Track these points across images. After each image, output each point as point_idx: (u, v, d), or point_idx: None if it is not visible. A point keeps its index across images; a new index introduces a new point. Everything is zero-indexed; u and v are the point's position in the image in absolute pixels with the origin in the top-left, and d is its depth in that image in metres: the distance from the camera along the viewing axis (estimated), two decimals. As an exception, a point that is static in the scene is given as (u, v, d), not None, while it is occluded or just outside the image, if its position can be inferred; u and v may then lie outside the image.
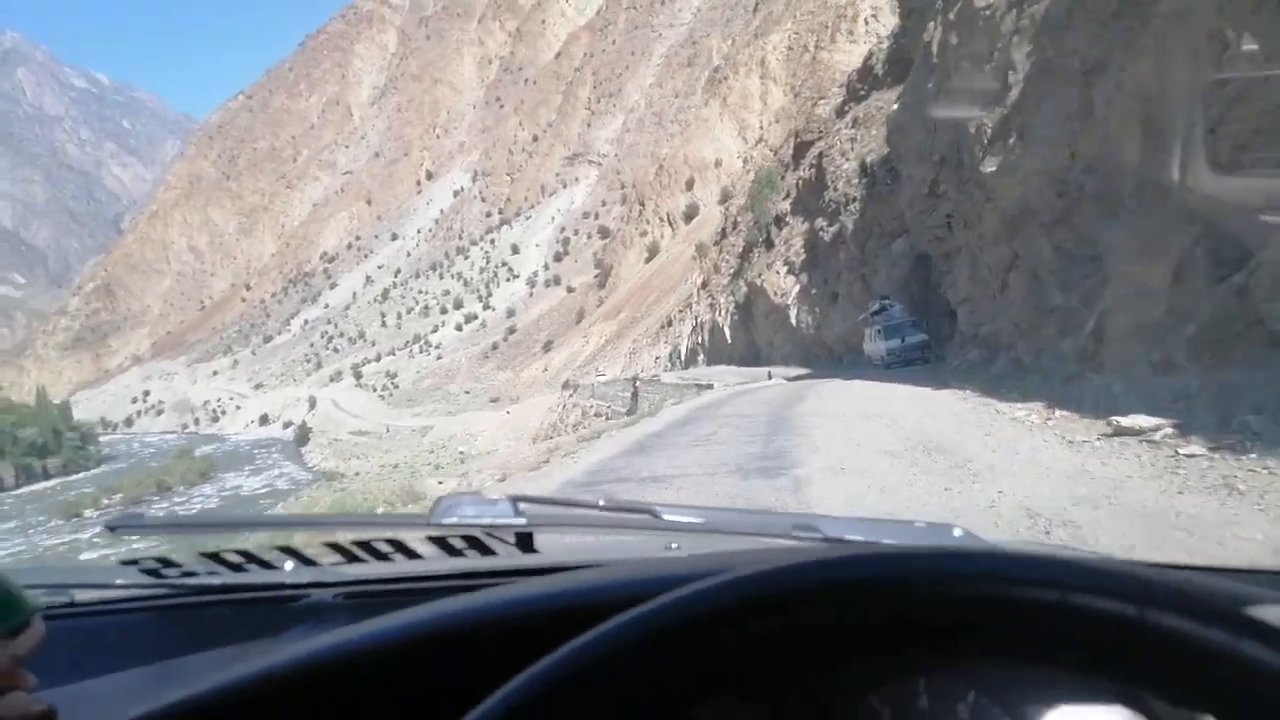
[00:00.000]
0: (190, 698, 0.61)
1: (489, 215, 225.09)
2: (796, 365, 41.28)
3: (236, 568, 1.17)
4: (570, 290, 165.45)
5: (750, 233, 49.80)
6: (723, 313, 50.83)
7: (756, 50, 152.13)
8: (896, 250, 32.23)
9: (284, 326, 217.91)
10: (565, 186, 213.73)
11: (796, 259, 42.29)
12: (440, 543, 1.14)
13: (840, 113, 44.01)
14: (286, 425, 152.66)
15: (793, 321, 41.81)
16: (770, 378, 32.95)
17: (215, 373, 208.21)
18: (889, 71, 37.56)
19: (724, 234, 58.64)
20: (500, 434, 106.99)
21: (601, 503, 1.11)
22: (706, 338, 54.18)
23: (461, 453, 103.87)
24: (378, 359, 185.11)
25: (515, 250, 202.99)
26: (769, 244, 46.87)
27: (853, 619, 0.43)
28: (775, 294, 42.86)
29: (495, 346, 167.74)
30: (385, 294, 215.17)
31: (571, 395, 73.57)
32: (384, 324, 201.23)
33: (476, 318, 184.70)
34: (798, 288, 41.37)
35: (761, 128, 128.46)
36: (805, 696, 0.68)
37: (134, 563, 1.19)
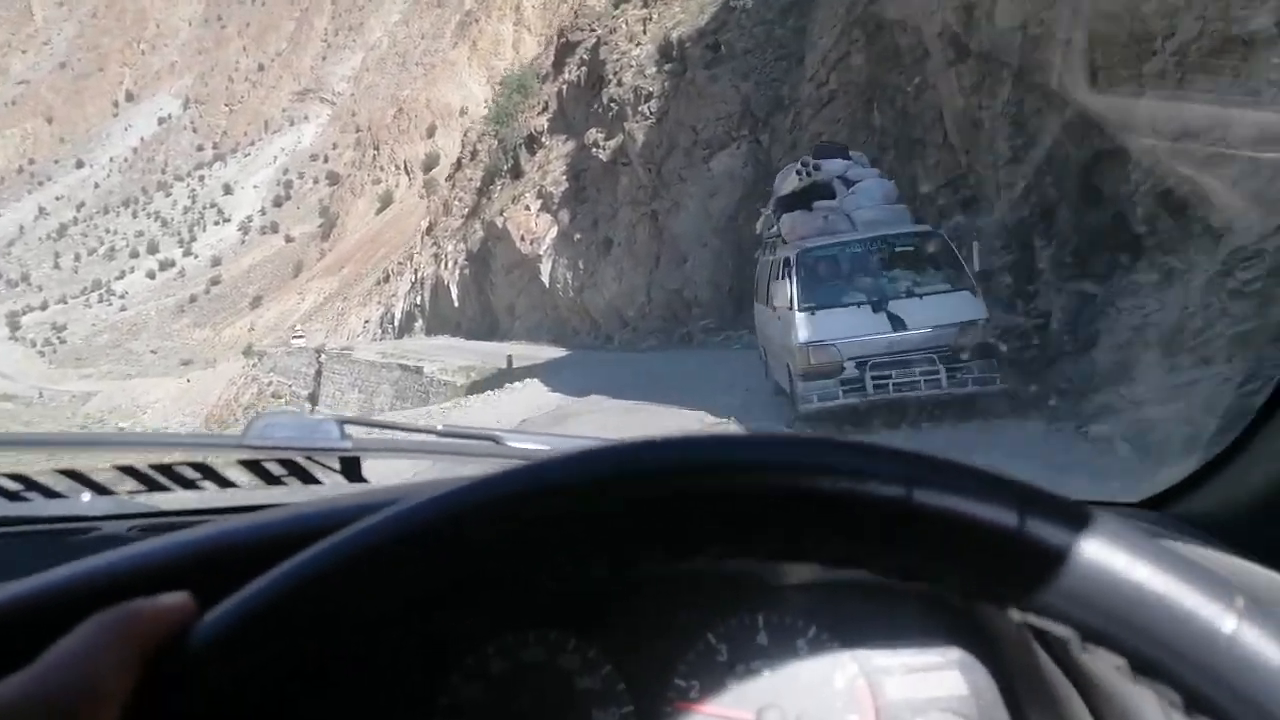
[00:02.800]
0: None
1: (200, 149, 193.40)
2: (548, 343, 28.02)
3: (13, 496, 0.99)
4: (289, 240, 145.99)
5: (493, 159, 35.75)
6: (449, 265, 36.56)
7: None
8: (719, 169, 19.82)
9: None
10: (292, 124, 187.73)
11: (555, 190, 28.80)
12: (255, 468, 0.98)
13: (624, -7, 31.06)
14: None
15: (545, 279, 28.44)
16: (511, 364, 19.35)
17: None
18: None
19: (459, 164, 44.12)
20: (175, 408, 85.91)
21: (440, 427, 1.03)
22: (427, 298, 39.63)
23: (122, 429, 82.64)
24: (43, 307, 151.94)
25: (228, 191, 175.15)
26: (516, 172, 33.03)
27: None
28: (522, 239, 29.21)
29: (194, 299, 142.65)
30: (62, 230, 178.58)
31: (254, 366, 55.93)
32: (57, 266, 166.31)
33: (174, 264, 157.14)
34: (554, 231, 28.15)
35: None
36: (639, 634, 0.67)
37: None
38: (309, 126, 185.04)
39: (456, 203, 42.10)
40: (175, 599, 0.38)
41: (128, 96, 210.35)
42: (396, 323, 44.08)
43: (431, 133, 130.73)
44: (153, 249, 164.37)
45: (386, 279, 54.09)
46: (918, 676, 0.69)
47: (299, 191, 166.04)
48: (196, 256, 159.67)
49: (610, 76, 25.62)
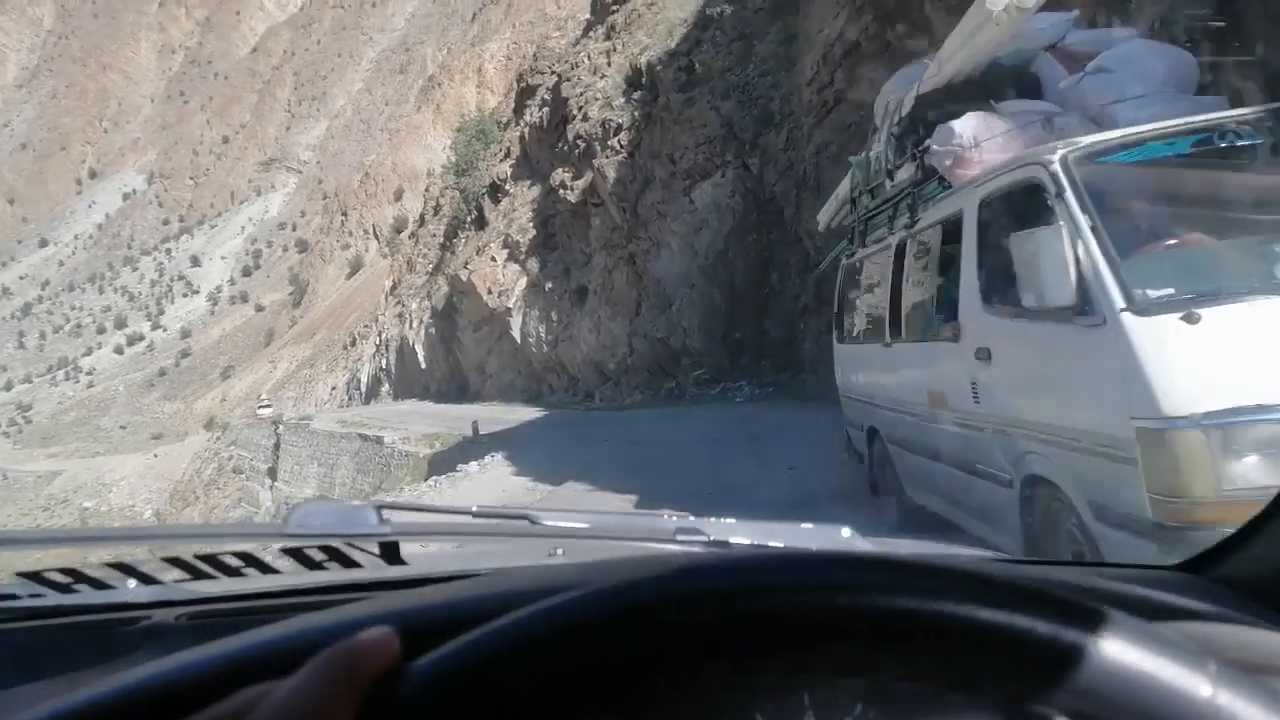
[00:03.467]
0: None
1: (166, 223, 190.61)
2: (522, 402, 25.44)
3: (64, 588, 1.01)
4: (260, 309, 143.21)
5: (455, 210, 33.43)
6: (414, 325, 34.00)
7: (473, 58, 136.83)
8: (703, 201, 17.52)
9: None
10: (259, 194, 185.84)
11: (521, 238, 26.45)
12: (297, 554, 1.01)
13: (589, 30, 29.10)
14: None
15: (515, 334, 25.96)
16: (477, 432, 16.73)
17: None
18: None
19: (422, 220, 41.84)
20: (143, 483, 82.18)
21: (475, 508, 1.07)
22: (393, 361, 36.95)
23: (86, 509, 78.74)
24: (8, 387, 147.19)
25: (196, 263, 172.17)
26: (480, 223, 30.74)
27: (719, 629, 0.38)
28: (489, 292, 26.76)
29: (163, 372, 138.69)
30: (27, 309, 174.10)
31: (216, 439, 52.65)
32: (21, 345, 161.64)
33: (143, 338, 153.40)
34: (523, 282, 25.75)
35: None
36: (686, 713, 0.62)
37: None
38: (276, 195, 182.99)
39: (420, 259, 39.72)
40: (384, 638, 0.39)
41: (91, 174, 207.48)
42: (363, 388, 41.30)
43: (399, 196, 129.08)
44: (120, 324, 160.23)
45: (353, 343, 51.34)
46: None
47: (268, 260, 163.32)
48: (165, 329, 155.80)
49: (575, 112, 23.48)
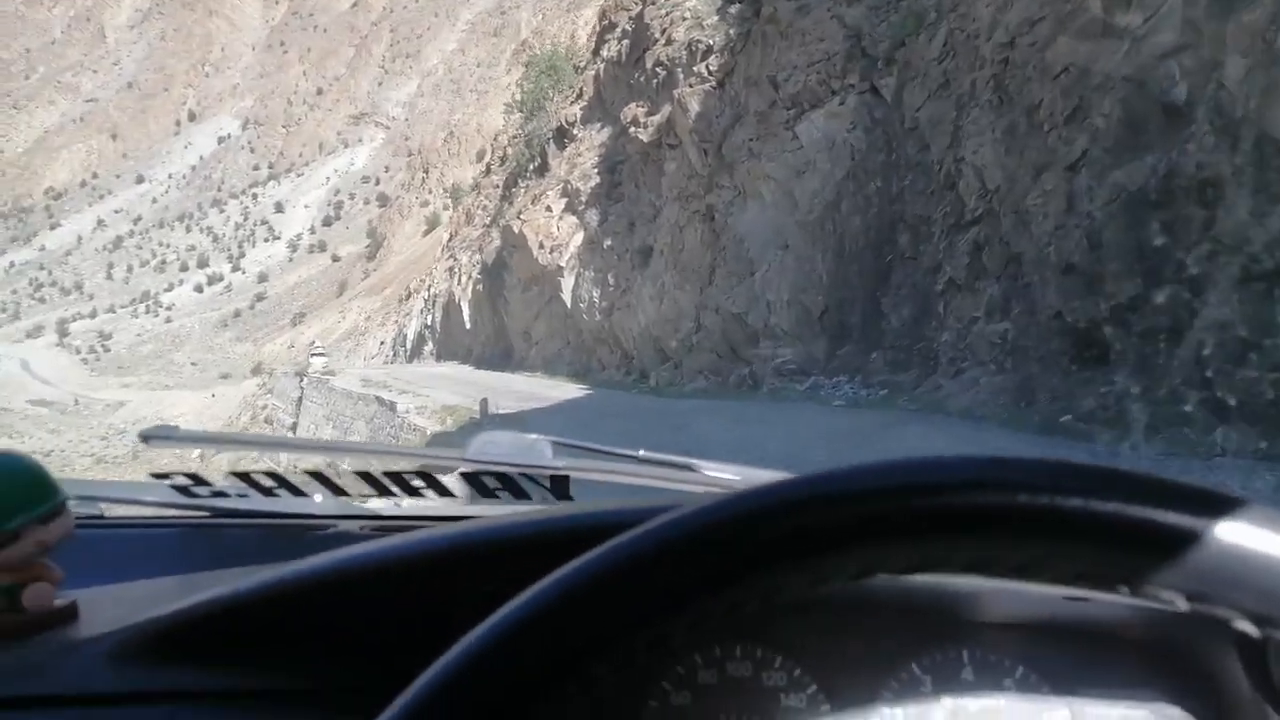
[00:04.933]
0: (205, 601, 0.61)
1: (256, 168, 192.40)
2: (566, 377, 21.55)
3: (267, 491, 1.12)
4: (336, 259, 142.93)
5: (518, 156, 29.62)
6: (462, 280, 30.39)
7: (567, 24, 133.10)
8: (810, 137, 13.23)
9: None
10: (346, 146, 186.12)
11: (582, 186, 22.44)
12: (473, 480, 1.08)
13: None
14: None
15: (566, 296, 22.05)
16: (486, 411, 12.84)
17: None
18: None
19: (487, 169, 38.25)
20: (197, 422, 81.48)
21: (641, 453, 1.11)
22: (438, 319, 33.45)
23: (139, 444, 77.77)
24: (92, 315, 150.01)
25: (279, 209, 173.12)
26: (543, 170, 26.85)
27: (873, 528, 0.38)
28: (541, 246, 22.84)
29: (238, 314, 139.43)
30: (118, 242, 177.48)
31: (262, 386, 50.26)
32: (109, 276, 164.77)
33: (222, 279, 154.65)
34: (580, 237, 21.81)
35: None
36: (844, 658, 0.67)
37: (165, 477, 1.12)
38: (362, 149, 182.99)
39: (480, 210, 36.03)
40: None
41: (190, 116, 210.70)
42: (408, 346, 38.05)
43: (481, 157, 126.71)
44: (202, 263, 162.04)
45: (407, 296, 48.21)
46: None
47: (349, 212, 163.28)
48: (244, 272, 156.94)
49: (657, 36, 19.29)
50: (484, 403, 13.08)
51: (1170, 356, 6.79)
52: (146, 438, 1.09)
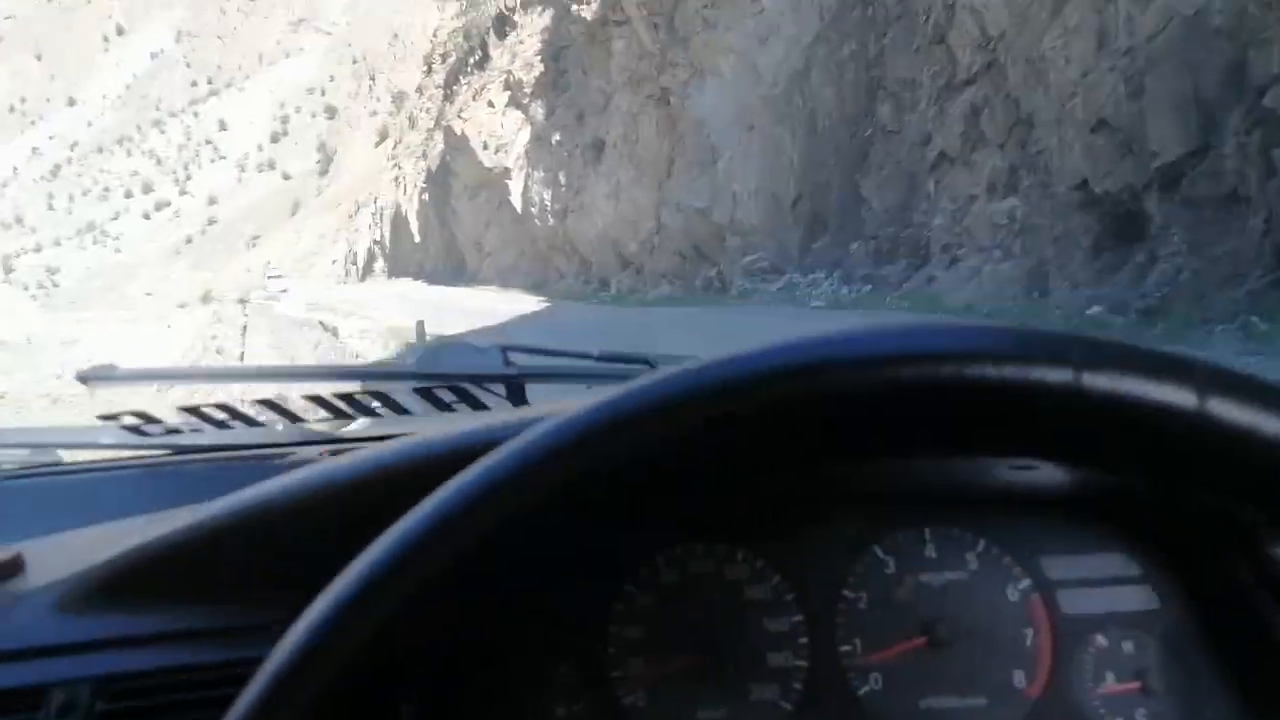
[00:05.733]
0: (150, 542, 0.61)
1: (194, 84, 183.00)
2: (522, 289, 20.05)
3: (220, 424, 1.11)
4: (287, 177, 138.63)
5: (457, 48, 27.18)
6: (407, 190, 28.29)
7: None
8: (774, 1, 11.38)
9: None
10: (288, 56, 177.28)
11: (525, 77, 20.43)
12: (427, 395, 1.07)
13: None
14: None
15: (515, 201, 20.33)
16: (422, 334, 11.39)
17: None
18: None
19: (429, 69, 35.58)
20: (153, 356, 79.26)
21: (597, 352, 1.08)
22: (387, 233, 31.42)
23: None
24: (37, 249, 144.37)
25: (223, 127, 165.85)
26: (484, 63, 24.61)
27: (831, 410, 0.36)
28: (485, 146, 20.93)
29: (190, 240, 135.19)
30: (56, 170, 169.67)
31: (216, 314, 48.12)
32: (51, 207, 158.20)
33: (170, 204, 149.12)
34: (527, 133, 19.91)
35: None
36: (805, 546, 0.67)
37: (113, 418, 1.10)
38: (305, 59, 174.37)
39: (423, 114, 33.61)
40: None
41: (118, 30, 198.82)
42: (359, 264, 36.01)
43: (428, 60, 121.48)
44: (147, 188, 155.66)
45: (356, 211, 45.74)
46: (1099, 590, 0.66)
47: (296, 126, 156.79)
48: (192, 196, 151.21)
49: (597, -104, 17.06)
50: (420, 325, 11.64)
51: (1230, 229, 5.46)
52: (85, 379, 1.04)
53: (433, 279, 26.94)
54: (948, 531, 0.66)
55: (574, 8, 17.51)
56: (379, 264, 33.10)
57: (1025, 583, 0.65)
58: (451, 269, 26.19)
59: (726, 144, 12.59)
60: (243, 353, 28.65)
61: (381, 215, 31.79)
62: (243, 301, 29.32)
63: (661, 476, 0.37)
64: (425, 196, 26.58)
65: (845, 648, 0.64)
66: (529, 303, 17.37)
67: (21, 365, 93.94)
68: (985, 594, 0.65)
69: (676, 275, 14.96)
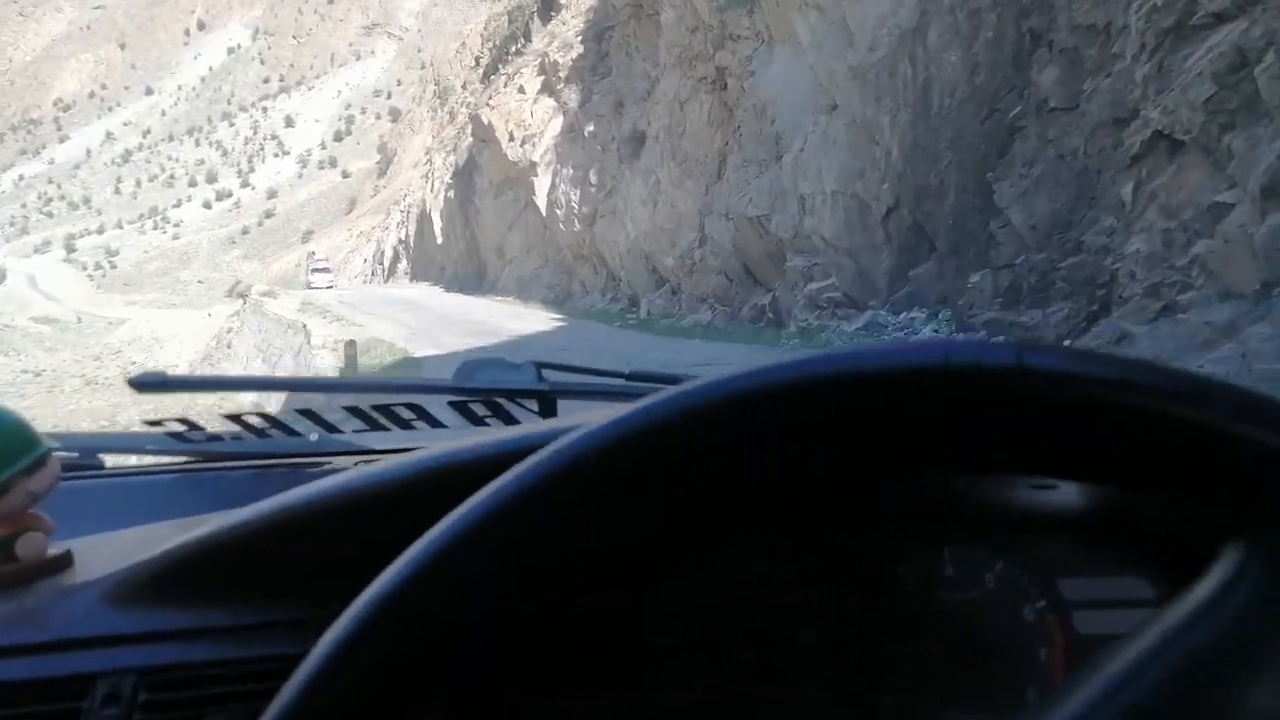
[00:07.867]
0: (199, 537, 0.63)
1: (266, 81, 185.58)
2: (540, 302, 17.04)
3: (260, 432, 1.15)
4: (346, 175, 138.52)
5: (499, 34, 24.50)
6: (434, 187, 25.62)
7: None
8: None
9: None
10: (359, 59, 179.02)
11: (562, 58, 17.46)
12: (462, 409, 1.10)
13: None
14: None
15: (540, 202, 17.35)
16: (352, 359, 8.31)
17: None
18: None
19: (476, 61, 33.11)
20: (192, 343, 78.04)
21: (628, 371, 1.11)
22: (412, 232, 28.80)
23: (133, 364, 74.74)
24: (100, 231, 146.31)
25: (290, 123, 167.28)
26: (525, 48, 21.79)
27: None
28: (512, 139, 18.01)
29: (246, 231, 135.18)
30: (127, 156, 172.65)
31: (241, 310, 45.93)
32: (118, 191, 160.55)
33: (230, 195, 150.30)
34: (558, 123, 16.99)
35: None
36: (821, 567, 0.68)
37: (158, 423, 1.14)
38: (375, 62, 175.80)
39: (463, 109, 31.01)
40: None
41: (199, 25, 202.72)
42: (385, 264, 33.49)
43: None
44: (211, 178, 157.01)
45: (389, 209, 43.38)
46: (1114, 612, 0.66)
47: (360, 127, 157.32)
48: (253, 188, 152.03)
49: None
50: (350, 345, 8.65)
51: None
52: (138, 385, 1.06)
53: (451, 285, 24.08)
54: (968, 550, 0.66)
55: (621, -25, 14.52)
56: (403, 264, 30.38)
57: (1041, 603, 0.65)
58: (472, 275, 23.32)
59: (797, 132, 9.38)
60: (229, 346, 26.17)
61: (409, 214, 29.09)
62: (243, 296, 26.66)
63: (693, 483, 0.37)
64: (450, 194, 23.73)
65: (865, 661, 0.65)
66: (541, 320, 14.40)
67: (68, 343, 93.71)
68: (1002, 613, 0.65)
69: (720, 300, 11.80)
